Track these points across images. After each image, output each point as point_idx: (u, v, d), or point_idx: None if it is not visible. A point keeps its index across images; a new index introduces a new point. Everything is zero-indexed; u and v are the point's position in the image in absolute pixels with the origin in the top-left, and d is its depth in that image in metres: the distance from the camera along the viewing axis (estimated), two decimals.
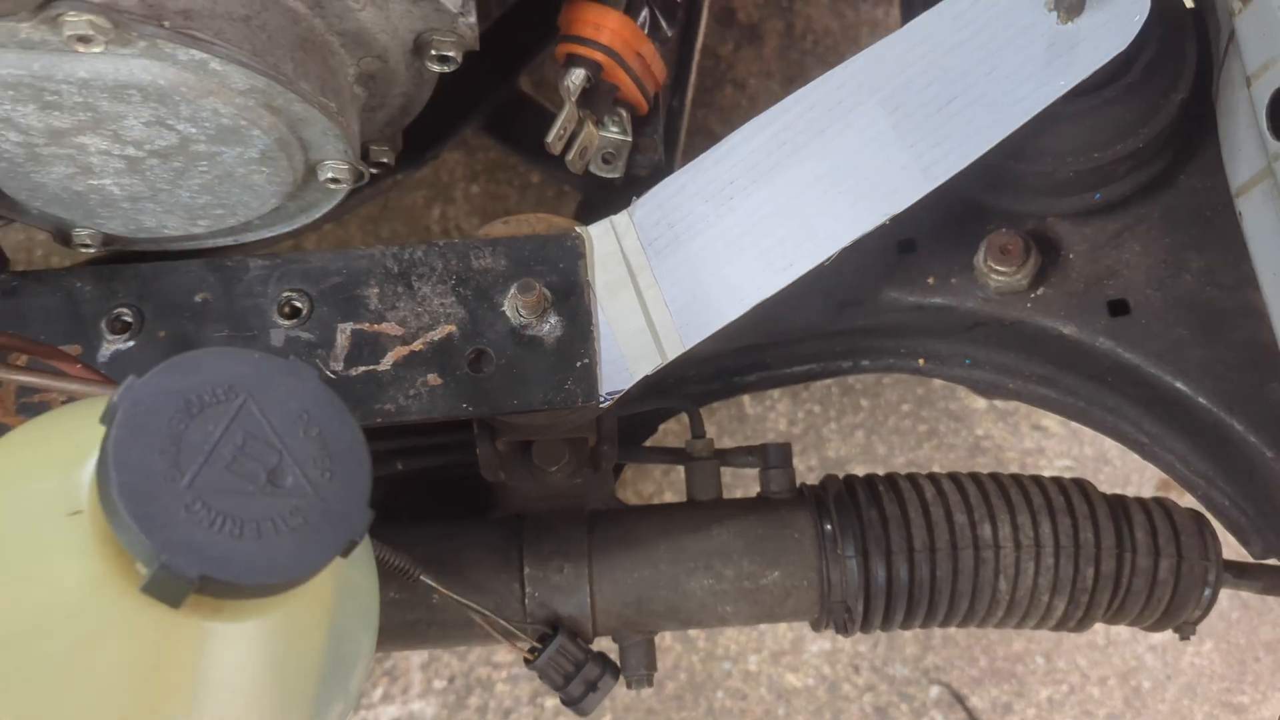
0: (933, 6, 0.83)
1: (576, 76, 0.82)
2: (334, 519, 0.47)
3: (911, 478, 0.86)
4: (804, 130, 0.76)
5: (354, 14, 0.64)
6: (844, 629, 0.85)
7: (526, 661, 0.81)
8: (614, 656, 0.84)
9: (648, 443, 0.98)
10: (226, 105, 0.60)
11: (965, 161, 0.74)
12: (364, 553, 0.56)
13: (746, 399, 1.68)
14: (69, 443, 0.49)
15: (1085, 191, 0.80)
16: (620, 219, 0.79)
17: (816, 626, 0.86)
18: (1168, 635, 1.56)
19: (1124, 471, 1.66)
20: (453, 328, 0.77)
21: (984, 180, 0.80)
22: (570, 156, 0.86)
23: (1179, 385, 0.78)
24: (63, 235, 0.78)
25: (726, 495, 0.89)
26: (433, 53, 0.68)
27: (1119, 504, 0.85)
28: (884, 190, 0.74)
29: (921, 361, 0.90)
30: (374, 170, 0.77)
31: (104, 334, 0.76)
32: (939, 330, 0.87)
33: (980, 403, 1.71)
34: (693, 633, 1.55)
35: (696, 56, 1.09)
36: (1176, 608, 0.85)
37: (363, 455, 0.49)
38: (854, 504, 0.84)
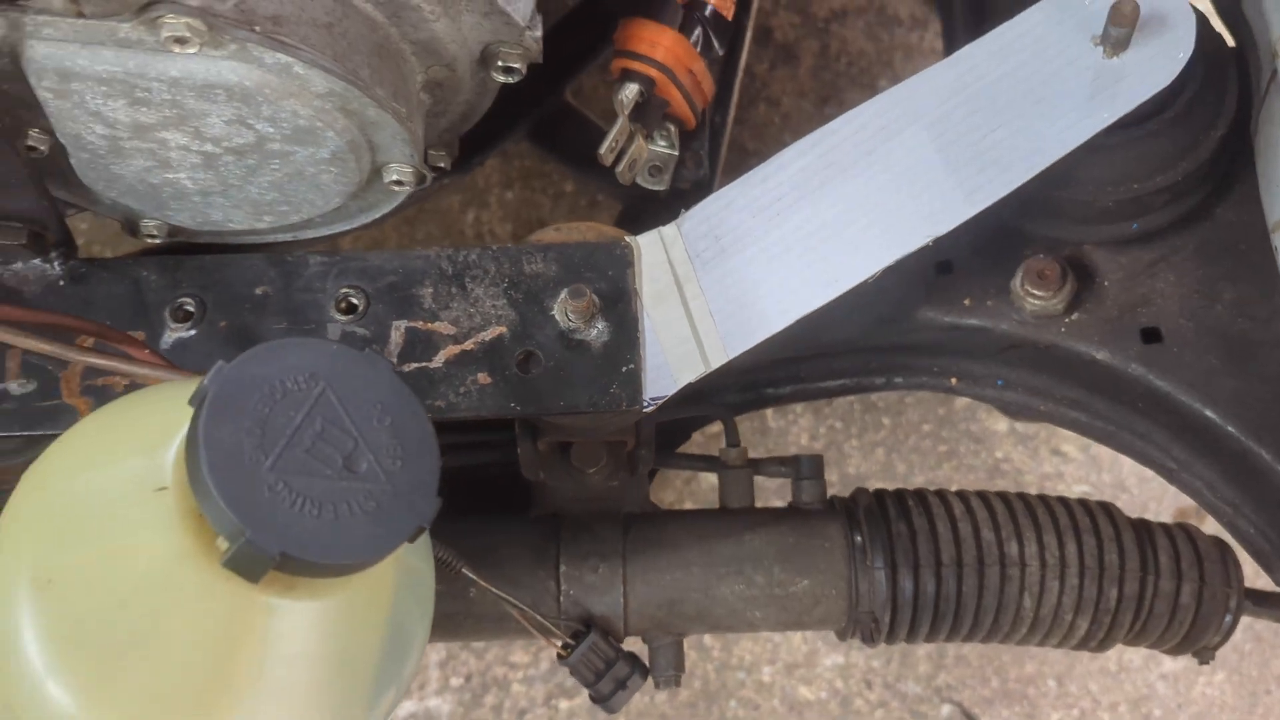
0: (977, 36, 0.86)
1: (630, 91, 0.85)
2: (404, 505, 0.50)
3: (940, 494, 0.88)
4: (850, 151, 0.78)
5: (428, 24, 0.67)
6: (870, 639, 0.86)
7: (560, 658, 0.83)
8: (642, 657, 0.87)
9: (680, 449, 1.00)
10: (305, 107, 0.63)
11: (1008, 189, 0.76)
12: (424, 540, 0.59)
13: (769, 412, 1.70)
14: (152, 424, 0.51)
15: (1123, 221, 0.83)
16: (668, 230, 0.81)
17: (842, 635, 0.88)
18: (1180, 664, 1.58)
19: (1141, 499, 1.68)
20: (503, 329, 0.79)
21: (1022, 206, 0.82)
22: (620, 168, 0.88)
23: (1209, 413, 0.79)
24: (130, 225, 0.81)
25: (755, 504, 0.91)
26: (499, 63, 0.71)
27: (1143, 527, 0.87)
28: (927, 212, 0.76)
29: (954, 380, 0.92)
30: (433, 174, 0.80)
31: (167, 322, 0.79)
32: (973, 351, 0.89)
33: (1000, 425, 1.73)
34: (708, 641, 1.57)
35: (740, 75, 1.11)
36: (1197, 632, 0.86)
37: (431, 445, 0.52)
38: (884, 517, 0.86)
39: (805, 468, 0.91)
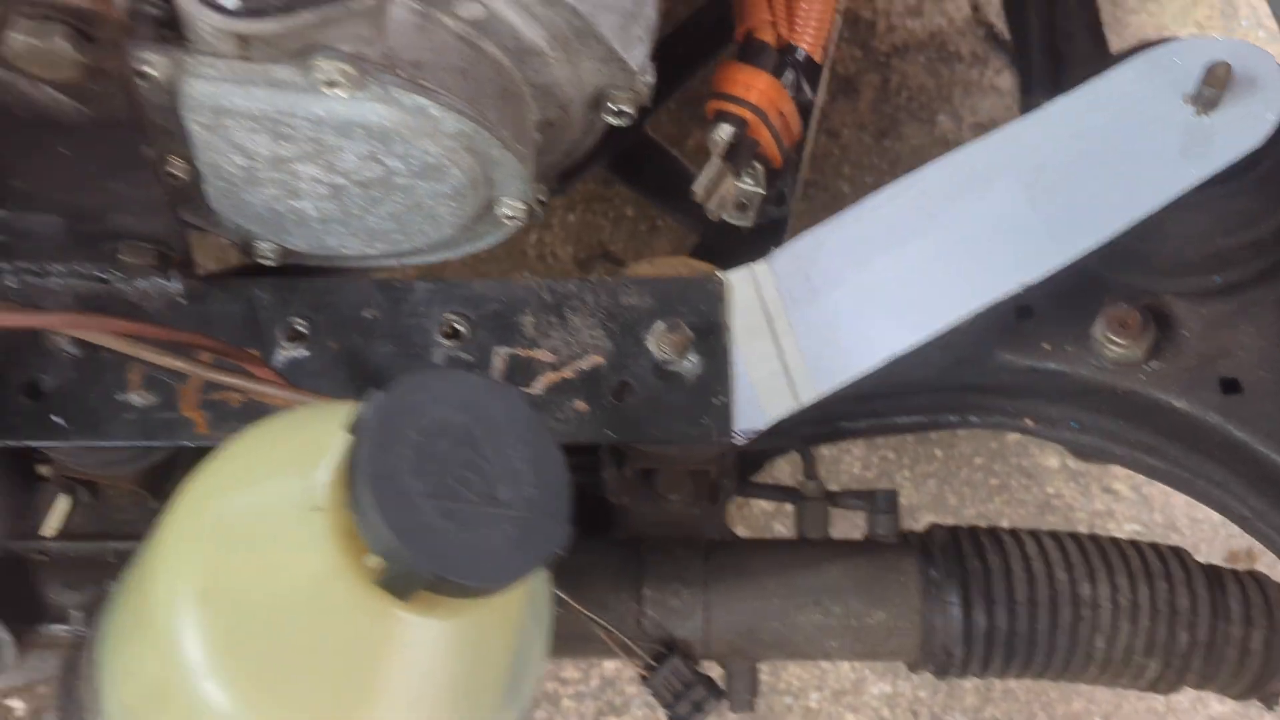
0: (1054, 83, 0.88)
1: (725, 132, 0.88)
2: (542, 531, 0.52)
3: (1014, 533, 0.90)
4: (942, 198, 0.81)
5: (550, 69, 0.70)
6: (942, 672, 0.88)
7: (643, 678, 0.85)
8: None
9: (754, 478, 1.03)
10: (436, 146, 0.67)
11: (1097, 240, 0.78)
12: None
13: None
14: (303, 446, 0.54)
15: (1205, 274, 0.84)
16: (760, 267, 0.84)
17: (914, 668, 0.90)
18: (1229, 706, 1.57)
19: (1193, 540, 1.68)
20: (600, 359, 0.82)
21: (1105, 255, 0.84)
22: (709, 204, 0.91)
23: None
24: (244, 246, 0.84)
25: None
26: (610, 106, 0.74)
27: (1214, 573, 0.89)
28: (1017, 261, 0.79)
29: (1028, 421, 0.94)
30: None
31: (280, 341, 0.82)
32: (1049, 394, 0.91)
33: (1052, 461, 1.74)
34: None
35: (816, 114, 1.14)
36: (1265, 678, 0.88)
37: (563, 474, 0.55)
38: (958, 554, 0.88)
39: (881, 502, 0.93)
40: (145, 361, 0.78)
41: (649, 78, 0.73)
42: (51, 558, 0.91)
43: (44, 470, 0.95)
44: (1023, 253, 0.78)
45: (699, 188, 0.88)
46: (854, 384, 0.84)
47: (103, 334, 0.71)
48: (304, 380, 0.80)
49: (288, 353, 0.82)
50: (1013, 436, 1.73)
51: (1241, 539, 1.15)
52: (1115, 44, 1.07)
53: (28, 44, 0.51)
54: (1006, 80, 1.93)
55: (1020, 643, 0.86)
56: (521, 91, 0.70)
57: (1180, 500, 1.70)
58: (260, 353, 0.82)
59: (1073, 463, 1.73)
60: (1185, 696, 1.65)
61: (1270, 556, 0.88)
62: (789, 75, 0.90)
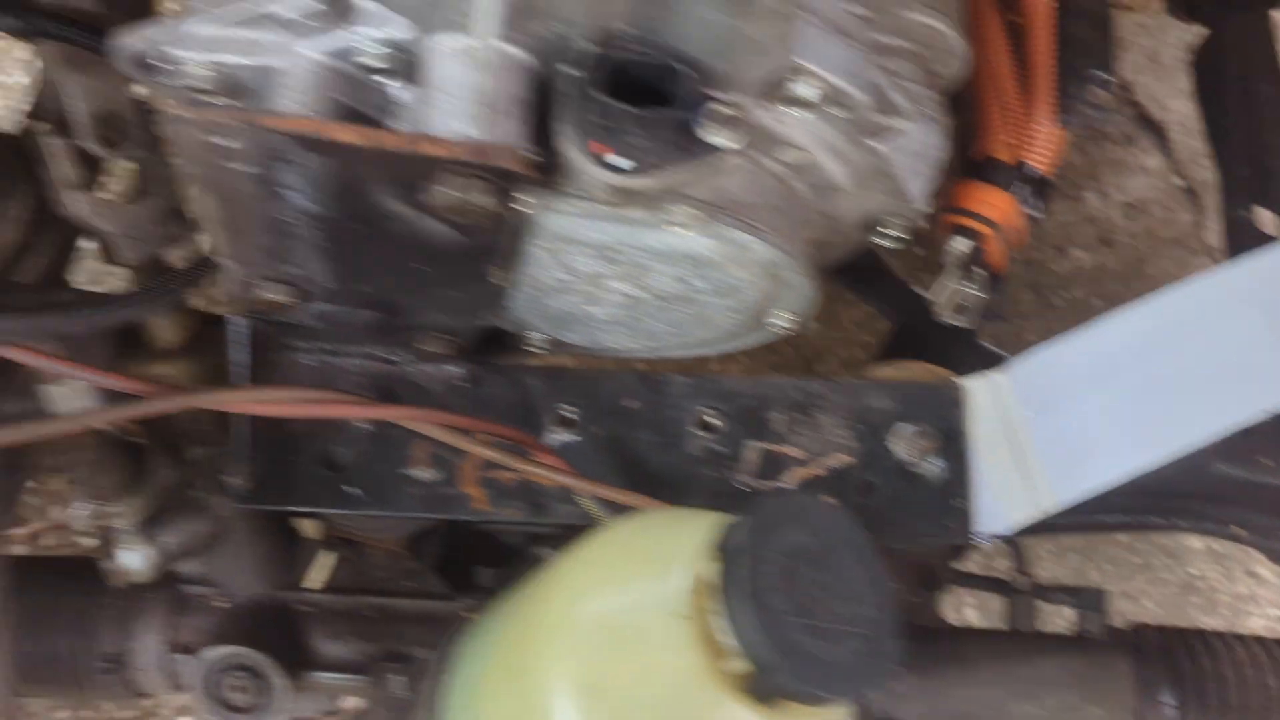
0: (1265, 201, 0.92)
1: (963, 245, 0.94)
2: (882, 648, 0.58)
3: (1222, 636, 0.93)
4: (1186, 322, 0.85)
5: (842, 201, 0.76)
6: None
7: None
8: None
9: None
10: (744, 271, 0.73)
11: None
12: None
13: None
14: (663, 551, 0.61)
15: None
16: (998, 377, 0.89)
17: None
18: None
19: None
20: (847, 457, 0.88)
21: None
22: (939, 307, 0.97)
23: None
24: (519, 335, 0.92)
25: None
26: (881, 230, 0.80)
27: None
28: (1259, 387, 0.83)
29: (1237, 529, 0.97)
30: None
31: (550, 426, 0.89)
32: (1263, 506, 0.95)
33: (1196, 542, 1.75)
34: None
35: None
36: None
37: (893, 595, 0.60)
38: (1171, 654, 0.92)
39: (1090, 599, 0.97)
40: (434, 440, 0.86)
41: (924, 207, 0.79)
42: (315, 609, 0.99)
43: (305, 526, 1.03)
44: (1266, 380, 0.82)
45: (938, 295, 0.93)
46: None
47: (431, 426, 0.78)
48: (572, 464, 0.87)
49: (557, 437, 0.89)
50: None
51: None
52: None
53: (450, 195, 0.58)
54: (1155, 160, 1.96)
55: None
56: (814, 219, 0.76)
57: None
58: (533, 436, 0.89)
59: (1217, 544, 1.74)
60: None
61: None
62: (1021, 190, 0.96)
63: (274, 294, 0.75)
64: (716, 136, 0.61)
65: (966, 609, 1.52)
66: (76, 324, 0.71)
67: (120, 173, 0.91)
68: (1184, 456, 0.94)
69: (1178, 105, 1.97)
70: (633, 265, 0.73)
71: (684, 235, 0.68)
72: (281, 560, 1.00)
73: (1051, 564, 1.77)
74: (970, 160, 0.96)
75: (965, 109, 0.94)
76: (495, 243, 0.67)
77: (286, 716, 0.96)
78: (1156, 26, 1.97)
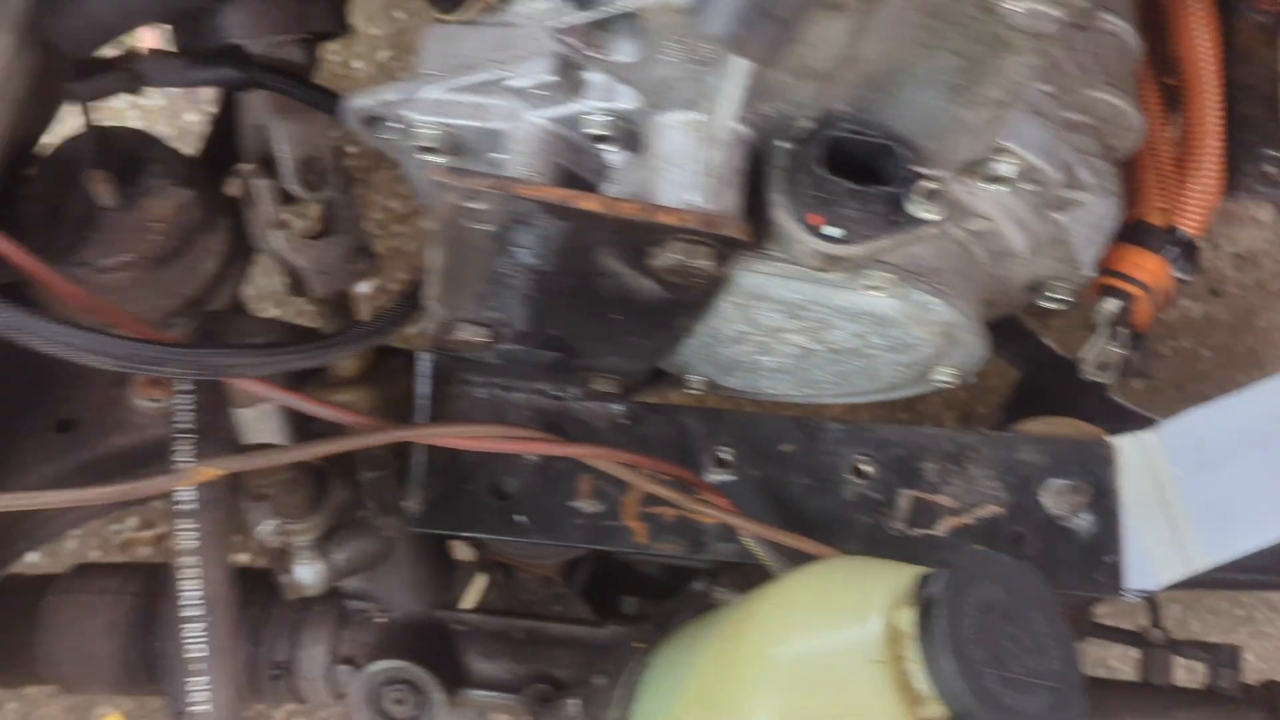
0: None
1: (1114, 305, 0.96)
2: (1068, 702, 0.61)
3: None
4: None
5: (1015, 266, 0.79)
6: None
7: None
8: None
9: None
10: (923, 331, 0.76)
11: None
12: None
13: None
14: (858, 598, 0.64)
15: None
16: (1149, 437, 0.92)
17: None
18: None
19: None
20: (998, 508, 0.91)
21: None
22: (1085, 365, 0.99)
23: None
24: (679, 376, 0.96)
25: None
26: (1048, 294, 0.83)
27: None
28: None
29: None
30: None
31: (707, 466, 0.93)
32: None
33: None
34: None
35: None
36: None
37: (1075, 651, 0.63)
38: None
39: (1224, 656, 0.99)
40: (597, 474, 0.90)
41: (1092, 274, 0.82)
42: (469, 628, 1.04)
43: (460, 550, 1.08)
44: None
45: (1087, 353, 0.96)
46: None
47: (608, 463, 0.83)
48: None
49: (714, 477, 0.93)
50: None
51: None
52: None
53: (673, 259, 0.63)
54: (1267, 213, 1.95)
55: None
56: (987, 282, 0.80)
57: None
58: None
59: None
60: None
61: None
62: (1172, 253, 0.98)
63: (471, 335, 0.80)
64: (923, 210, 0.64)
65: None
66: (308, 359, 0.77)
67: (314, 213, 0.98)
68: None
69: None
70: (816, 321, 0.77)
71: (875, 297, 0.72)
72: (438, 581, 1.05)
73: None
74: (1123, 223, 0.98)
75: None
76: (698, 299, 0.72)
77: None
78: None
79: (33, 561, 1.35)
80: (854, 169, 0.64)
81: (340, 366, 0.99)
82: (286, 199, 0.94)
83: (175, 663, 0.86)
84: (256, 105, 0.92)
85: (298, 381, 0.95)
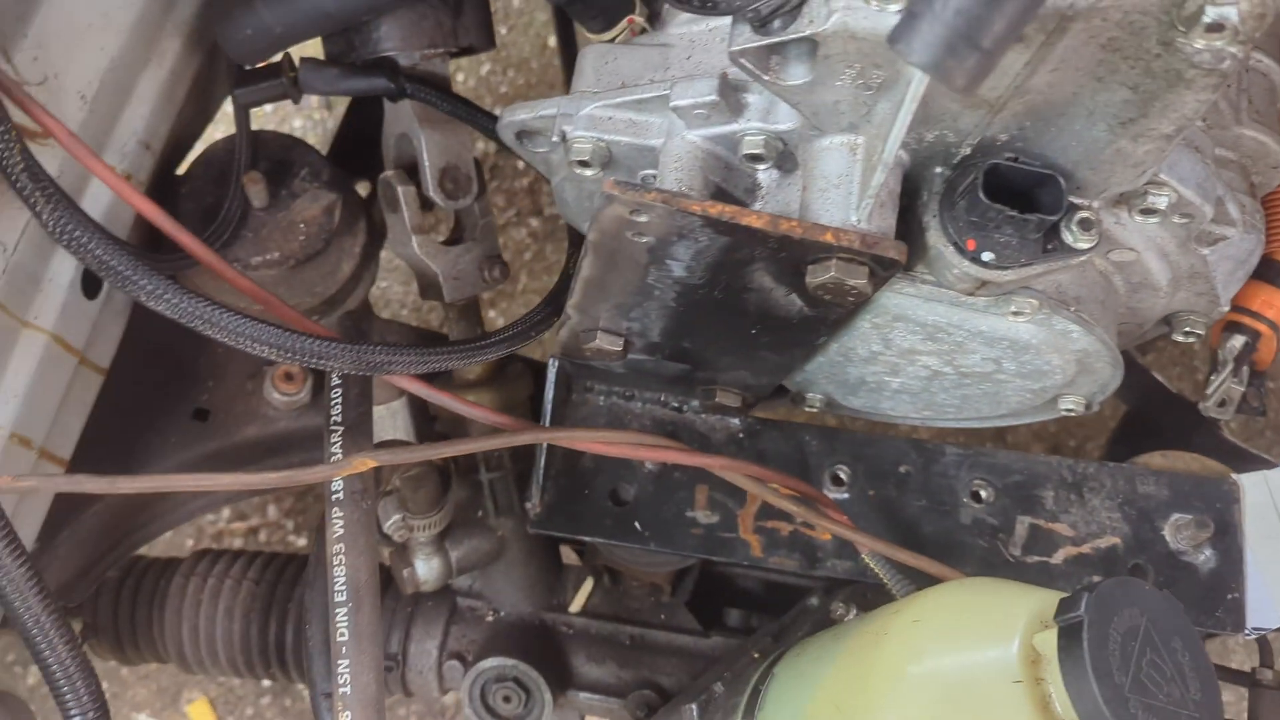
0: None
1: (1238, 342, 0.95)
2: None
3: None
4: None
5: (1152, 298, 0.80)
6: None
7: None
8: None
9: None
10: (1059, 358, 0.77)
11: None
12: None
13: None
14: (997, 619, 0.65)
15: None
16: (1274, 475, 0.91)
17: None
18: None
19: None
20: (1117, 540, 0.91)
21: None
22: (1207, 401, 0.99)
23: None
24: (797, 394, 0.97)
25: None
26: (1185, 328, 0.83)
27: None
28: None
29: None
30: None
31: (825, 483, 0.94)
32: None
33: None
34: None
35: None
36: None
37: (1216, 683, 0.63)
38: None
39: None
40: (714, 485, 0.92)
41: (1225, 308, 0.81)
42: (575, 631, 1.06)
43: (570, 553, 1.10)
44: None
45: (1212, 391, 0.95)
46: None
47: (738, 476, 0.84)
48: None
49: (831, 494, 0.94)
50: None
51: None
52: None
53: (834, 278, 0.64)
54: None
55: None
56: (1123, 312, 0.80)
57: None
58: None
59: None
60: None
61: None
62: None
63: (607, 344, 0.82)
64: (1077, 239, 0.65)
65: None
66: (462, 360, 0.79)
67: (452, 220, 1.01)
68: None
69: None
70: (952, 344, 0.78)
71: (1017, 322, 0.73)
72: (548, 583, 1.08)
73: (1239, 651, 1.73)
74: None
75: None
76: (842, 318, 0.73)
77: None
78: None
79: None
80: (1008, 196, 0.65)
81: (467, 370, 1.03)
82: (426, 205, 0.98)
83: (317, 646, 0.89)
84: (403, 114, 0.96)
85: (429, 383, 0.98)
